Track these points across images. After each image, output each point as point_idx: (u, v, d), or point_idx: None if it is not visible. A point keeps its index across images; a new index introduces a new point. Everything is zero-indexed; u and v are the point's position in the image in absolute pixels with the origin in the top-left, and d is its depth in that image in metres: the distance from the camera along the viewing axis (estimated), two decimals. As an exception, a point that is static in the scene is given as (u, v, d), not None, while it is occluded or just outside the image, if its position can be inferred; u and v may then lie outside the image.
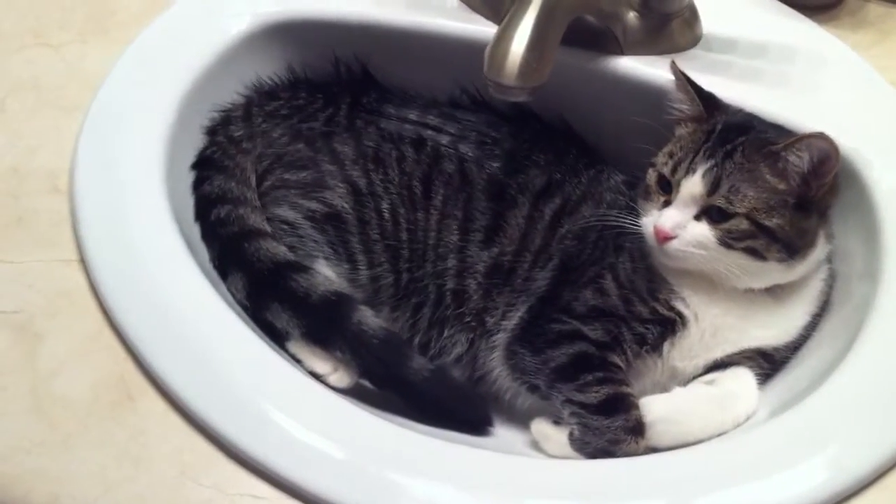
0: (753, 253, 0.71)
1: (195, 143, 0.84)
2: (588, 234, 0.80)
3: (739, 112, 0.78)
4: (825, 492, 0.62)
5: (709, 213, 0.71)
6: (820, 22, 0.91)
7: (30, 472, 0.62)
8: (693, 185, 0.71)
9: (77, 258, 0.73)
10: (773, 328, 0.74)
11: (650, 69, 0.84)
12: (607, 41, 0.85)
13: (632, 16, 0.84)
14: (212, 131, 0.85)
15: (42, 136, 0.80)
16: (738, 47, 0.87)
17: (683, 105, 0.77)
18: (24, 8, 0.90)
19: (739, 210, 0.70)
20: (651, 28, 0.85)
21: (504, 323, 0.78)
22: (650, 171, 0.75)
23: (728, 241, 0.70)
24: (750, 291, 0.74)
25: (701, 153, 0.72)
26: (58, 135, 0.80)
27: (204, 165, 0.82)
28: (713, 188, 0.70)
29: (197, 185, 0.81)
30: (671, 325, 0.74)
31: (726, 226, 0.70)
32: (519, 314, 0.78)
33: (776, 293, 0.74)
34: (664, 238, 0.71)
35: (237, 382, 0.66)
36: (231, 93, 0.88)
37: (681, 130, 0.77)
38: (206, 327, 0.69)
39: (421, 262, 0.80)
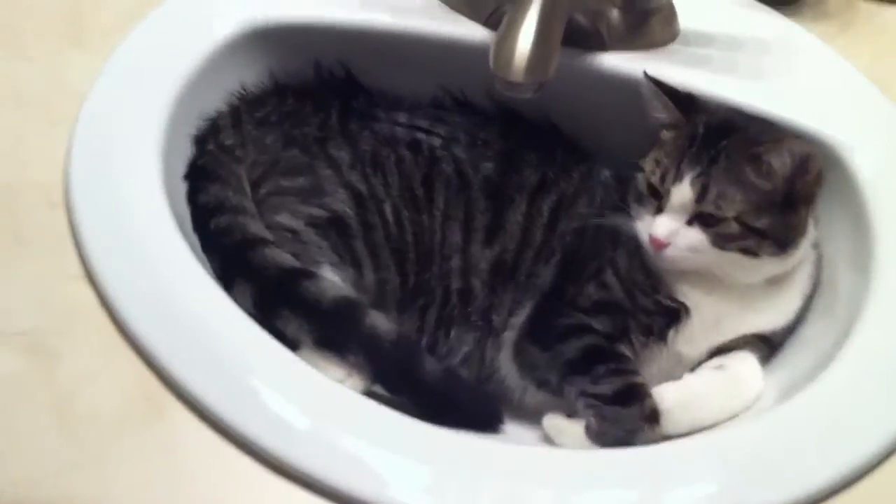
0: (747, 251, 0.74)
1: (186, 152, 0.83)
2: (585, 229, 0.81)
3: (720, 110, 0.81)
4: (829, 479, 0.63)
5: (700, 218, 0.73)
6: (786, 14, 0.95)
7: (65, 495, 0.60)
8: (682, 192, 0.73)
9: (83, 273, 0.71)
10: (770, 313, 0.77)
11: (633, 65, 0.86)
12: (590, 38, 0.87)
13: (615, 13, 0.86)
14: (201, 140, 0.83)
15: (30, 150, 0.78)
16: (715, 41, 0.90)
17: (660, 113, 0.79)
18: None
19: (729, 214, 0.72)
20: (633, 24, 0.87)
21: (511, 320, 0.79)
22: (640, 176, 0.77)
23: (721, 243, 0.73)
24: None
25: (686, 160, 0.74)
26: (47, 148, 0.77)
27: (196, 175, 0.81)
28: (702, 195, 0.72)
29: (192, 196, 0.80)
30: (675, 314, 0.76)
31: (717, 229, 0.73)
32: (525, 311, 0.79)
33: (771, 280, 0.77)
34: (659, 246, 0.73)
35: (267, 390, 0.65)
36: (216, 101, 0.86)
37: (665, 135, 0.79)
38: (226, 333, 0.68)
39: (426, 263, 0.81)
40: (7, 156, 0.77)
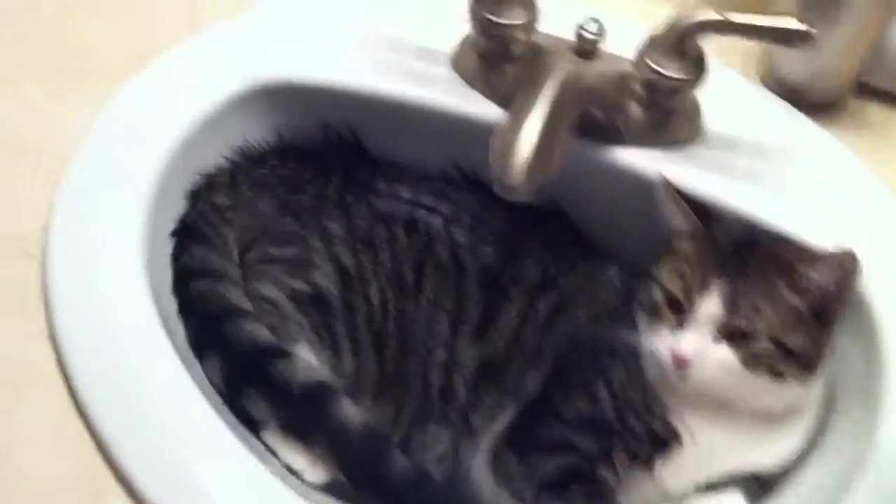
0: (774, 373, 0.68)
1: (177, 208, 0.80)
2: (583, 335, 0.77)
3: (737, 221, 0.77)
4: None
5: (729, 334, 0.68)
6: (821, 121, 0.89)
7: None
8: (710, 305, 0.68)
9: (46, 333, 0.68)
10: (770, 451, 0.72)
11: (650, 162, 0.82)
12: (608, 131, 0.83)
13: (635, 107, 0.82)
14: (194, 196, 0.80)
15: (12, 195, 0.75)
16: (740, 146, 0.85)
17: (676, 219, 0.75)
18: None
19: (761, 329, 0.67)
20: (653, 121, 0.83)
21: (491, 425, 0.75)
22: (654, 287, 0.72)
23: (751, 362, 0.67)
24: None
25: (713, 270, 0.69)
26: (30, 194, 0.75)
27: (184, 234, 0.78)
28: (732, 309, 0.67)
29: (176, 256, 0.77)
30: (665, 443, 0.71)
31: (748, 347, 0.68)
32: (507, 416, 0.75)
33: (780, 412, 0.72)
34: (684, 365, 0.68)
35: (214, 489, 0.62)
36: (216, 156, 0.83)
37: (682, 245, 0.74)
38: (180, 421, 0.64)
39: (408, 353, 0.77)
40: (-13, 197, 0.75)
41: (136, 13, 0.89)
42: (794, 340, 0.68)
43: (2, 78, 0.83)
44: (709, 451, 0.71)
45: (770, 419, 0.72)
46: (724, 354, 0.68)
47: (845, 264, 0.68)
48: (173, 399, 0.65)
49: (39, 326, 0.68)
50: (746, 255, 0.70)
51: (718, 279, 0.68)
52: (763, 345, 0.67)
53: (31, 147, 0.78)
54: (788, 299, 0.68)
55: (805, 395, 0.72)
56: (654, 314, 0.71)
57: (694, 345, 0.68)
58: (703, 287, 0.68)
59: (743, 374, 0.68)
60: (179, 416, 0.65)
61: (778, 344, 0.68)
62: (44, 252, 0.71)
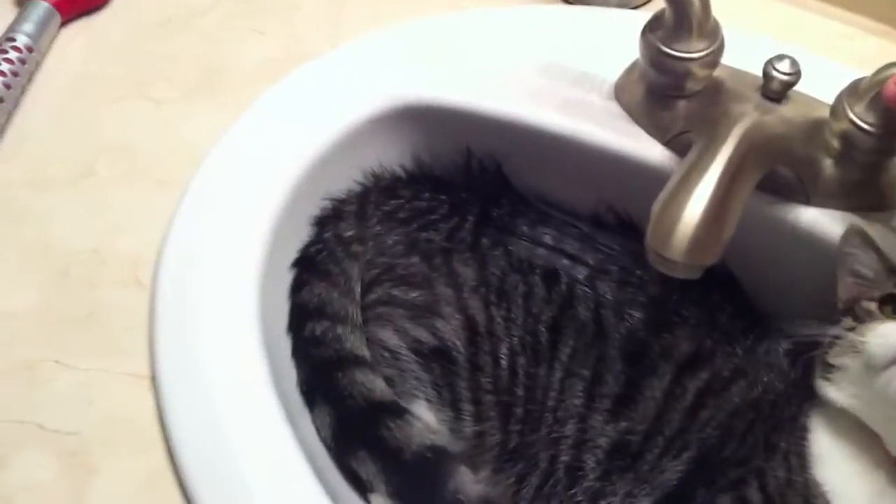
0: None
1: (301, 234, 0.75)
2: (736, 423, 0.67)
3: None
4: None
5: None
6: None
7: None
8: None
9: (148, 374, 0.64)
10: None
11: (837, 228, 0.70)
12: (792, 187, 0.71)
13: (828, 163, 0.70)
14: (320, 223, 0.75)
15: (130, 212, 0.71)
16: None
17: (864, 267, 0.65)
18: (128, 51, 0.82)
19: None
20: (849, 180, 0.70)
21: (622, 516, 0.67)
22: (862, 304, 0.63)
23: None
24: None
25: None
26: (148, 213, 0.71)
27: (306, 266, 0.73)
28: None
29: (295, 289, 0.72)
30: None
31: None
32: (641, 509, 0.66)
33: None
34: None
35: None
36: (347, 179, 0.77)
37: (872, 290, 0.64)
38: (274, 490, 0.59)
39: (535, 424, 0.69)
40: (104, 216, 0.71)
41: (281, 32, 0.84)
42: None
43: (132, 76, 0.80)
44: None
45: None
46: None
47: None
48: (270, 465, 0.60)
49: (143, 368, 0.64)
50: None
51: None
52: None
53: (155, 158, 0.74)
54: None
55: None
56: (867, 318, 0.63)
57: None
58: None
59: None
60: (274, 482, 0.59)
61: None
62: (154, 283, 0.67)
